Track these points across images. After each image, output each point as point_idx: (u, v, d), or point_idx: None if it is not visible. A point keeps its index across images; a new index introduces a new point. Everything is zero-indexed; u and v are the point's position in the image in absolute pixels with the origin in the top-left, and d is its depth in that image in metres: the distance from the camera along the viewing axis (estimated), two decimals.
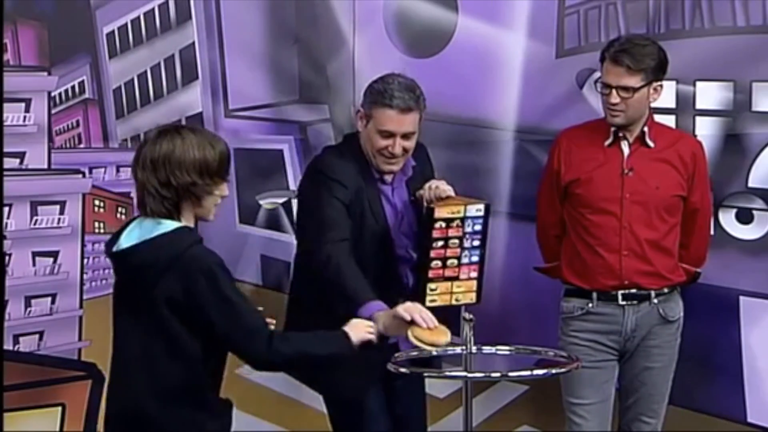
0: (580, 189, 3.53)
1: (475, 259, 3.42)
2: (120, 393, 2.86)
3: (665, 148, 3.52)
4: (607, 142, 3.53)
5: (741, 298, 3.71)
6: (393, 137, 3.36)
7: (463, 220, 3.39)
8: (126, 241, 2.81)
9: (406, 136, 3.38)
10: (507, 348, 3.42)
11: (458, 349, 3.27)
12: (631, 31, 3.78)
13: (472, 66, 4.03)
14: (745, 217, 3.70)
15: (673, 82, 3.72)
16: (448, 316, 3.52)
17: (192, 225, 2.82)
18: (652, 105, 3.52)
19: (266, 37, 4.39)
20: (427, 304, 3.36)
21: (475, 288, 3.44)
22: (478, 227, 3.41)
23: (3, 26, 4.33)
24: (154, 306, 2.75)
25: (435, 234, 3.36)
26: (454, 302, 3.43)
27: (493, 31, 4.01)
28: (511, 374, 3.51)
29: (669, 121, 3.75)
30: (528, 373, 3.40)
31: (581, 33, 3.91)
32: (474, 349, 3.25)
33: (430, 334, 2.85)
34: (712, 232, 3.70)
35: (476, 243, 3.41)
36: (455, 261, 3.40)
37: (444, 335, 2.88)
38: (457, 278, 3.42)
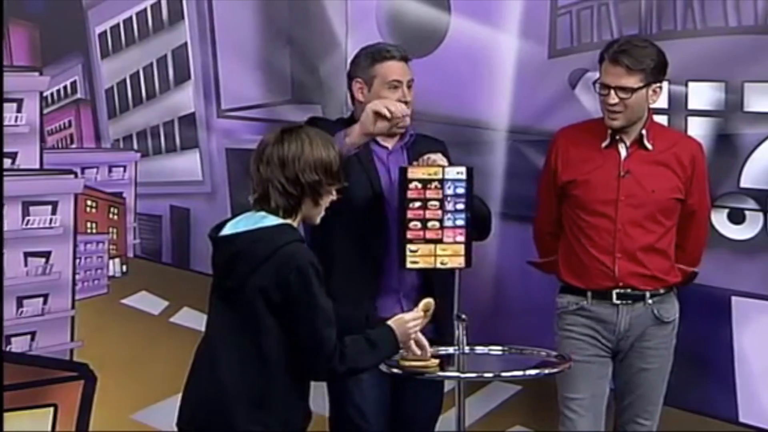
0: (576, 190, 3.52)
1: (460, 222, 3.41)
2: (202, 377, 2.88)
3: (664, 150, 3.51)
4: (604, 144, 3.52)
5: (733, 298, 3.71)
6: (401, 87, 3.53)
7: (442, 182, 3.39)
8: (230, 229, 2.88)
9: (408, 86, 3.55)
10: (499, 348, 3.42)
11: (451, 350, 3.28)
12: (624, 32, 3.78)
13: (465, 66, 4.03)
14: (737, 217, 3.71)
15: (666, 83, 3.72)
16: (444, 315, 3.55)
17: (296, 226, 2.89)
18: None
19: (259, 38, 4.39)
20: (408, 265, 3.41)
21: (463, 252, 3.41)
22: (460, 190, 3.40)
23: (3, 26, 4.32)
24: (247, 296, 2.80)
25: (410, 194, 3.38)
26: (439, 265, 3.42)
27: (486, 32, 4.01)
28: (503, 374, 3.51)
29: (661, 121, 3.74)
30: (520, 373, 3.40)
31: (574, 33, 3.91)
32: (467, 349, 3.25)
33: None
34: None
35: (460, 206, 3.41)
36: (437, 223, 3.40)
37: (433, 359, 3.06)
38: (440, 241, 3.40)
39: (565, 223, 3.58)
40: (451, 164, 3.48)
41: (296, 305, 2.78)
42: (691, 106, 3.74)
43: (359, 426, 3.55)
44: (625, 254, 3.48)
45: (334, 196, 2.92)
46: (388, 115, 3.36)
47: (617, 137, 3.50)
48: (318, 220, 2.93)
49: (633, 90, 3.41)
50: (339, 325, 2.87)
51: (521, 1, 3.96)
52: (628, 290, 3.51)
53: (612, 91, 3.43)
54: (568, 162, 3.55)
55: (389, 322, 2.95)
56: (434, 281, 3.53)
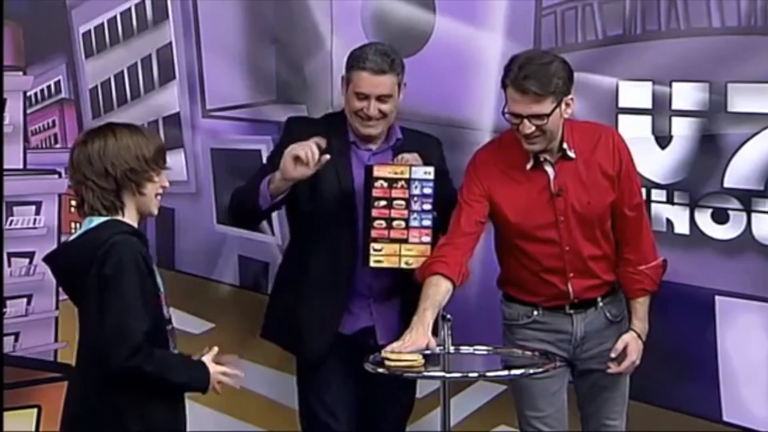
0: (511, 219, 3.38)
1: (426, 223, 3.41)
2: (71, 387, 2.91)
3: (588, 154, 3.38)
4: (528, 166, 3.36)
5: (717, 297, 3.72)
6: (368, 99, 3.47)
7: (408, 181, 3.39)
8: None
9: (381, 99, 3.48)
10: (485, 348, 3.42)
11: (437, 349, 3.27)
12: (608, 32, 3.79)
13: (450, 66, 4.03)
14: (720, 217, 3.72)
15: (649, 83, 3.74)
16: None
17: (133, 222, 2.84)
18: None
19: (244, 37, 4.38)
20: (372, 264, 3.41)
21: (428, 253, 3.39)
22: (428, 190, 3.40)
23: (3, 27, 4.30)
24: (86, 299, 2.77)
25: (375, 193, 3.37)
26: (403, 266, 3.41)
27: (471, 32, 4.01)
28: (488, 374, 3.51)
29: (645, 122, 3.76)
30: (506, 372, 3.39)
31: (558, 34, 3.91)
32: (452, 349, 3.25)
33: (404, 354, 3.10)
34: (687, 232, 3.71)
35: (427, 207, 3.40)
36: (402, 223, 3.39)
37: (417, 356, 3.10)
38: (406, 241, 3.40)
39: (506, 250, 3.46)
40: (431, 163, 3.48)
41: (106, 292, 2.72)
42: (675, 106, 3.75)
43: (329, 425, 3.56)
44: (577, 272, 3.41)
45: (165, 183, 2.87)
46: (303, 159, 3.31)
47: (541, 158, 3.36)
48: (155, 210, 2.88)
49: (547, 115, 3.25)
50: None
51: (506, 1, 3.96)
52: (580, 300, 3.45)
53: (525, 121, 3.24)
54: (496, 190, 3.38)
55: (205, 361, 2.89)
56: (403, 286, 3.51)
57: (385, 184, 3.39)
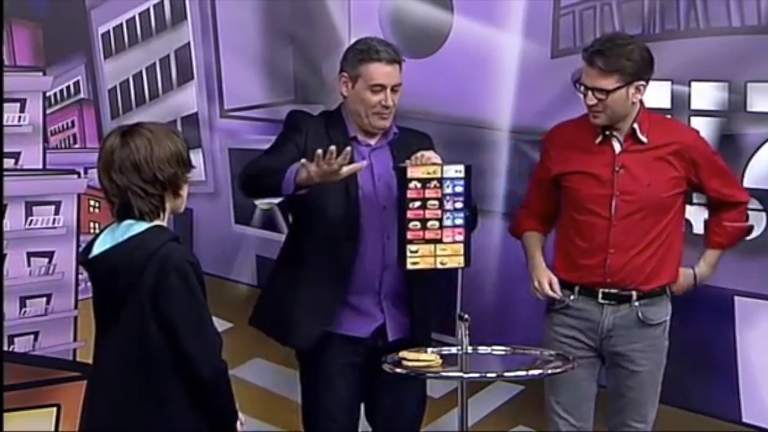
0: (570, 185, 3.50)
1: (459, 221, 3.40)
2: (95, 402, 2.84)
3: (661, 143, 3.46)
4: (597, 140, 3.49)
5: (736, 298, 3.72)
6: (384, 90, 3.47)
7: (440, 180, 3.38)
8: (99, 247, 2.81)
9: (393, 89, 3.49)
10: (502, 348, 3.42)
11: (454, 349, 3.27)
12: (627, 32, 3.78)
13: (468, 66, 4.03)
14: None
15: (668, 83, 3.73)
16: (422, 316, 3.55)
17: (166, 224, 2.84)
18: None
19: (262, 37, 4.39)
20: (409, 266, 3.39)
21: (462, 252, 3.41)
22: (459, 189, 3.40)
23: (3, 26, 4.32)
24: (133, 307, 2.74)
25: (410, 194, 3.36)
26: (439, 265, 3.41)
27: (489, 32, 4.01)
28: (506, 374, 3.51)
29: None
30: (523, 373, 3.39)
31: (576, 33, 3.91)
32: (469, 349, 3.25)
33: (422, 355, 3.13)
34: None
35: (459, 205, 3.40)
36: (436, 223, 3.39)
37: (435, 356, 3.12)
38: (440, 241, 3.39)
39: (560, 224, 3.57)
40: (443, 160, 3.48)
41: (181, 306, 2.72)
42: (694, 106, 3.74)
43: (328, 426, 3.55)
44: (618, 249, 3.44)
45: (189, 183, 2.86)
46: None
47: (609, 133, 3.47)
48: (183, 209, 2.88)
49: (608, 92, 3.37)
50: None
51: (524, 1, 3.96)
52: (614, 290, 3.47)
53: (590, 92, 3.40)
54: (562, 158, 3.52)
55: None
56: (414, 281, 3.51)
57: (419, 185, 3.38)
